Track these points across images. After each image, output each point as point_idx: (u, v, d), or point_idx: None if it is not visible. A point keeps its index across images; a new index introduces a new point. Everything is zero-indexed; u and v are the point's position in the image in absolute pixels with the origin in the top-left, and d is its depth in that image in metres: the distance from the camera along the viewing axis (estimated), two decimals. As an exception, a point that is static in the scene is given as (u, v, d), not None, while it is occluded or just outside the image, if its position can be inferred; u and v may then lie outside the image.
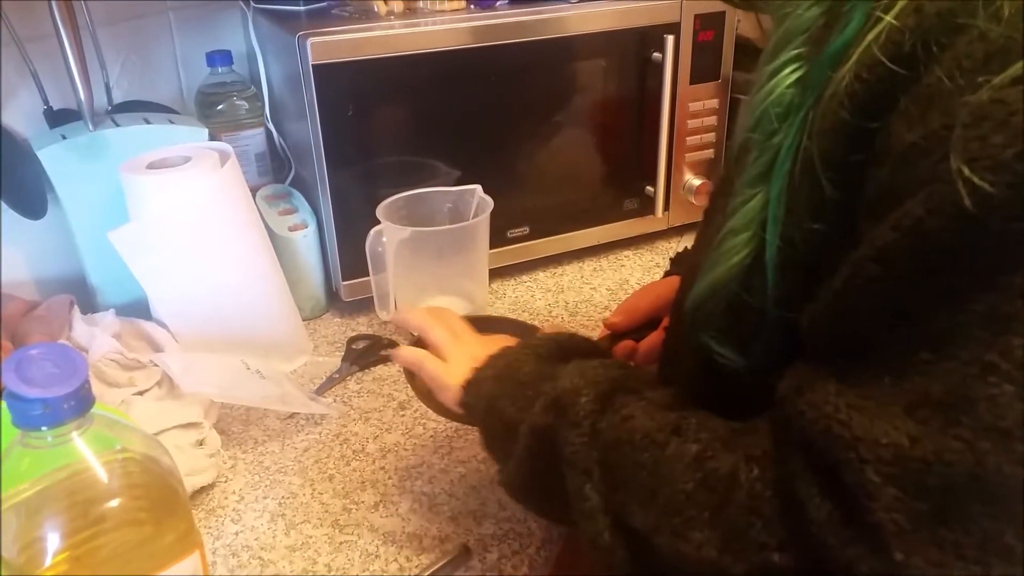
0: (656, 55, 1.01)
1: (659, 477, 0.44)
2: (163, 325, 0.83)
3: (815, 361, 0.41)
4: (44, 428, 0.43)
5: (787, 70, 0.43)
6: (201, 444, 0.72)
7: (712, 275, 0.47)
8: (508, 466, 0.55)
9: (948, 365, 0.35)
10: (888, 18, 0.38)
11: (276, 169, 1.06)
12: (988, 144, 0.33)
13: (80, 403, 0.44)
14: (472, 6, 0.99)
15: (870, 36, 0.38)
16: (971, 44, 0.35)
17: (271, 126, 1.04)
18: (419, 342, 0.68)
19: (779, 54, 0.43)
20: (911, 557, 0.34)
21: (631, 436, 0.46)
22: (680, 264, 0.82)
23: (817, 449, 0.38)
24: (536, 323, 0.77)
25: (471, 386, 0.57)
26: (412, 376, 0.66)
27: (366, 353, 0.91)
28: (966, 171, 0.33)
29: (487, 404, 0.56)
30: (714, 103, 1.08)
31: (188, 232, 0.83)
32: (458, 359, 0.60)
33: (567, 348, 0.58)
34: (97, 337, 0.78)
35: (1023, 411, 0.33)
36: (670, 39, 1.00)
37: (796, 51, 0.43)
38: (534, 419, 0.51)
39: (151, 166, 0.84)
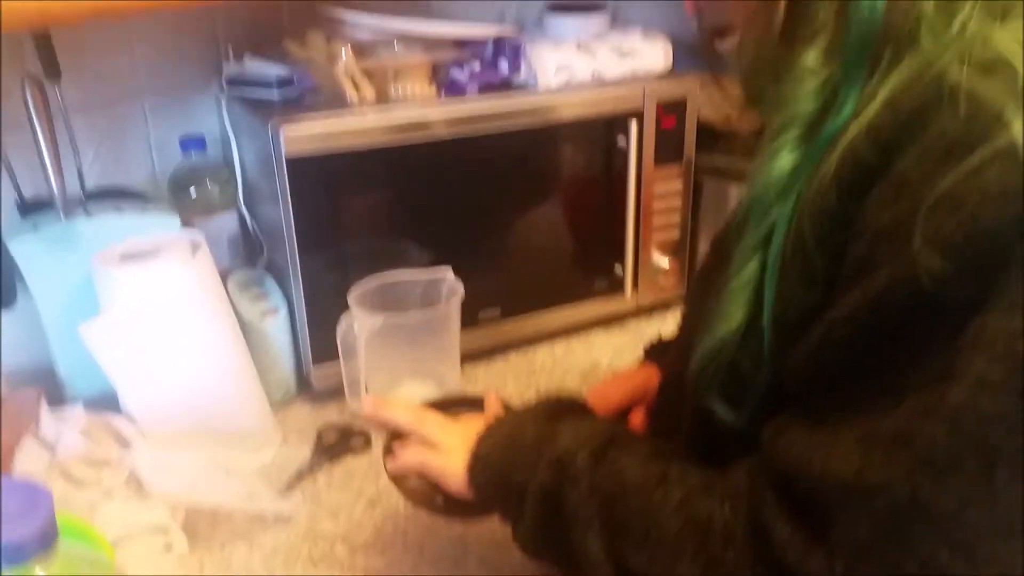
0: (621, 140, 1.04)
1: (650, 521, 0.51)
2: (131, 418, 0.83)
3: (792, 409, 0.47)
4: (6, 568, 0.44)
5: (785, 149, 0.48)
6: (169, 549, 0.71)
7: (715, 335, 0.51)
8: (522, 526, 0.59)
9: (898, 410, 0.40)
10: (869, 114, 0.42)
11: (248, 252, 1.06)
12: (943, 228, 0.38)
13: (43, 540, 0.45)
14: (442, 93, 1.01)
15: (853, 129, 0.43)
16: (936, 138, 0.40)
17: (244, 210, 1.04)
18: (397, 435, 0.69)
19: (781, 134, 0.48)
20: (853, 572, 0.40)
21: (623, 488, 0.53)
22: (655, 354, 0.84)
23: (788, 484, 0.44)
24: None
25: (475, 465, 0.61)
26: (401, 483, 0.67)
27: (336, 445, 0.91)
28: (924, 251, 0.38)
29: (497, 475, 0.60)
30: (678, 184, 1.10)
31: (159, 324, 0.83)
32: (454, 446, 0.63)
33: (557, 409, 0.64)
34: (65, 435, 0.78)
35: (950, 447, 0.38)
36: (634, 124, 1.03)
37: (796, 133, 0.48)
38: (540, 479, 0.56)
39: (123, 256, 0.85)
